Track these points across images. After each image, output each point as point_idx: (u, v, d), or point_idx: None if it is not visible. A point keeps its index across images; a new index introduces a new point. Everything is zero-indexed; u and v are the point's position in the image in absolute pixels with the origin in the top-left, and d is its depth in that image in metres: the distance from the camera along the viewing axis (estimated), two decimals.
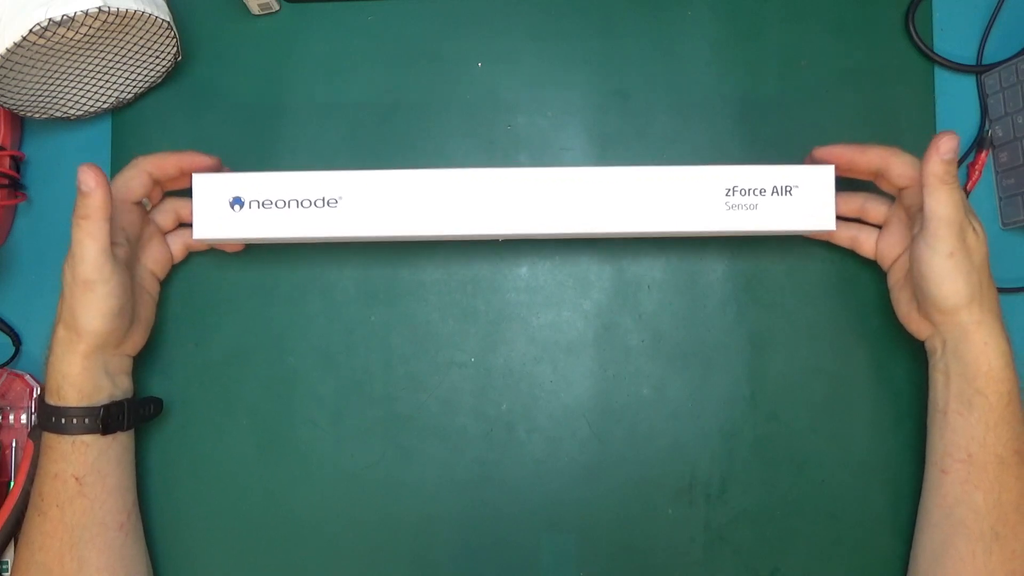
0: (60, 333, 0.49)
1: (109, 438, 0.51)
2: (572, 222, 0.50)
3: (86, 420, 0.49)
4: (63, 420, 0.49)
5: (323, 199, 0.50)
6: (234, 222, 0.50)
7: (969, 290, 0.47)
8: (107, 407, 0.50)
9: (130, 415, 0.52)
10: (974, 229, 0.48)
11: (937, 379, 0.50)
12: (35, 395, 0.57)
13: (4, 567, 0.55)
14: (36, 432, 0.54)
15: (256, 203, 0.50)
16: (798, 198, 0.50)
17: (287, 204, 0.50)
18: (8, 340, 0.58)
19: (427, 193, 0.50)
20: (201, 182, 0.50)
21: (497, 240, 0.57)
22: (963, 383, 0.49)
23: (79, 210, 0.46)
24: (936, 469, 0.51)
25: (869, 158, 0.50)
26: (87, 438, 0.49)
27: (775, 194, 0.50)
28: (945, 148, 0.46)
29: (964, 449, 0.49)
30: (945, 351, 0.49)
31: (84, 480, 0.49)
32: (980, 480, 0.48)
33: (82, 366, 0.49)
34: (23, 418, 0.56)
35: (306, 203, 0.50)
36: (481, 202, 0.50)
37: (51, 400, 0.49)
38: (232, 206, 0.50)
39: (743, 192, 0.50)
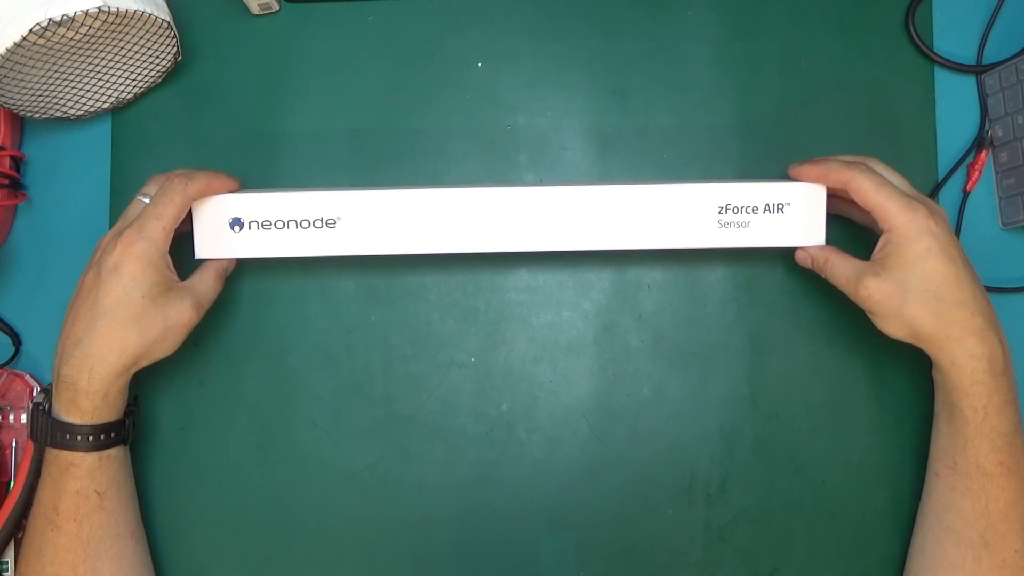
0: (103, 355, 0.46)
1: (126, 447, 0.51)
2: (565, 240, 0.51)
3: (112, 434, 0.49)
4: (89, 437, 0.48)
5: (321, 219, 0.51)
6: (234, 242, 0.51)
7: (908, 327, 0.47)
8: (127, 416, 0.50)
9: (136, 417, 0.52)
10: (877, 273, 0.47)
11: (935, 380, 0.50)
12: (35, 395, 0.56)
13: (4, 567, 0.55)
14: None
15: (255, 224, 0.51)
16: (789, 215, 0.50)
17: (286, 224, 0.51)
18: (8, 340, 0.58)
19: (423, 213, 0.51)
20: (200, 203, 0.51)
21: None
22: (943, 394, 0.49)
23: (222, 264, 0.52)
24: (931, 472, 0.51)
25: (831, 182, 0.49)
26: (113, 451, 0.49)
27: (767, 212, 0.50)
28: (801, 261, 0.52)
29: (950, 456, 0.49)
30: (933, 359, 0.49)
31: (106, 494, 0.49)
32: (966, 488, 0.48)
33: (124, 384, 0.48)
34: (23, 418, 0.56)
35: (304, 223, 0.51)
36: (476, 221, 0.51)
37: (82, 420, 0.47)
38: (232, 227, 0.51)
39: (735, 210, 0.50)
